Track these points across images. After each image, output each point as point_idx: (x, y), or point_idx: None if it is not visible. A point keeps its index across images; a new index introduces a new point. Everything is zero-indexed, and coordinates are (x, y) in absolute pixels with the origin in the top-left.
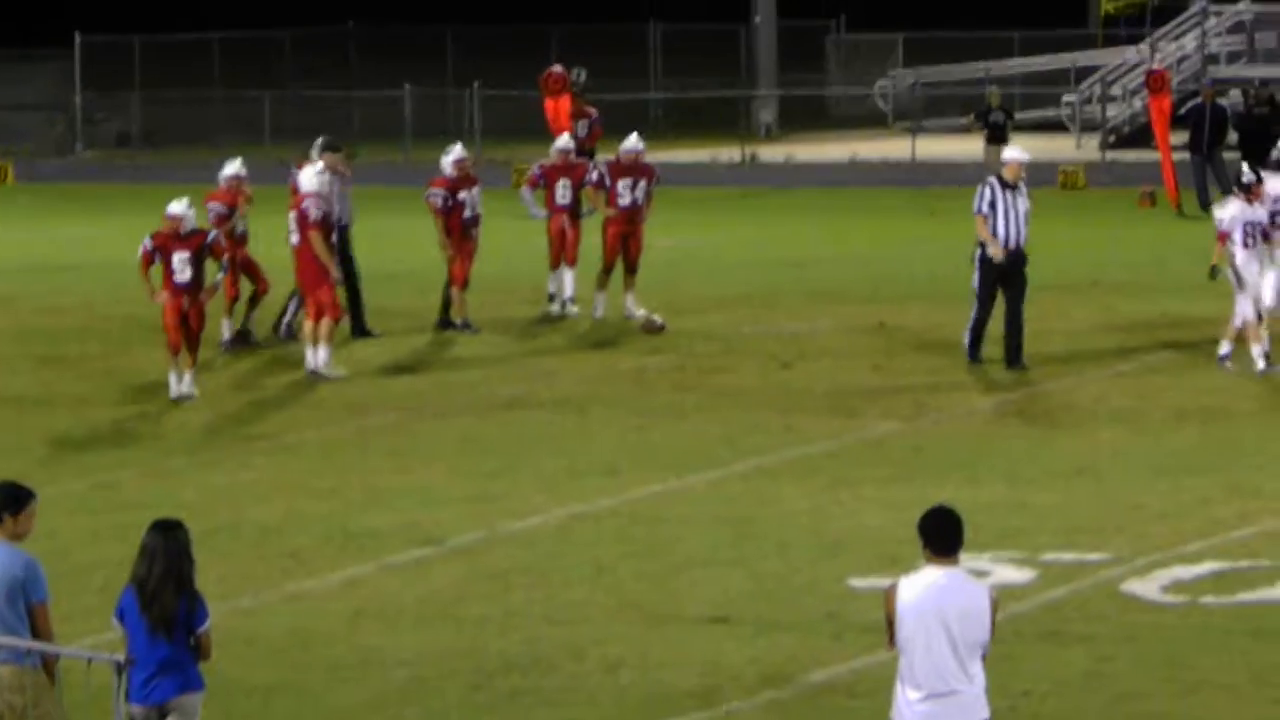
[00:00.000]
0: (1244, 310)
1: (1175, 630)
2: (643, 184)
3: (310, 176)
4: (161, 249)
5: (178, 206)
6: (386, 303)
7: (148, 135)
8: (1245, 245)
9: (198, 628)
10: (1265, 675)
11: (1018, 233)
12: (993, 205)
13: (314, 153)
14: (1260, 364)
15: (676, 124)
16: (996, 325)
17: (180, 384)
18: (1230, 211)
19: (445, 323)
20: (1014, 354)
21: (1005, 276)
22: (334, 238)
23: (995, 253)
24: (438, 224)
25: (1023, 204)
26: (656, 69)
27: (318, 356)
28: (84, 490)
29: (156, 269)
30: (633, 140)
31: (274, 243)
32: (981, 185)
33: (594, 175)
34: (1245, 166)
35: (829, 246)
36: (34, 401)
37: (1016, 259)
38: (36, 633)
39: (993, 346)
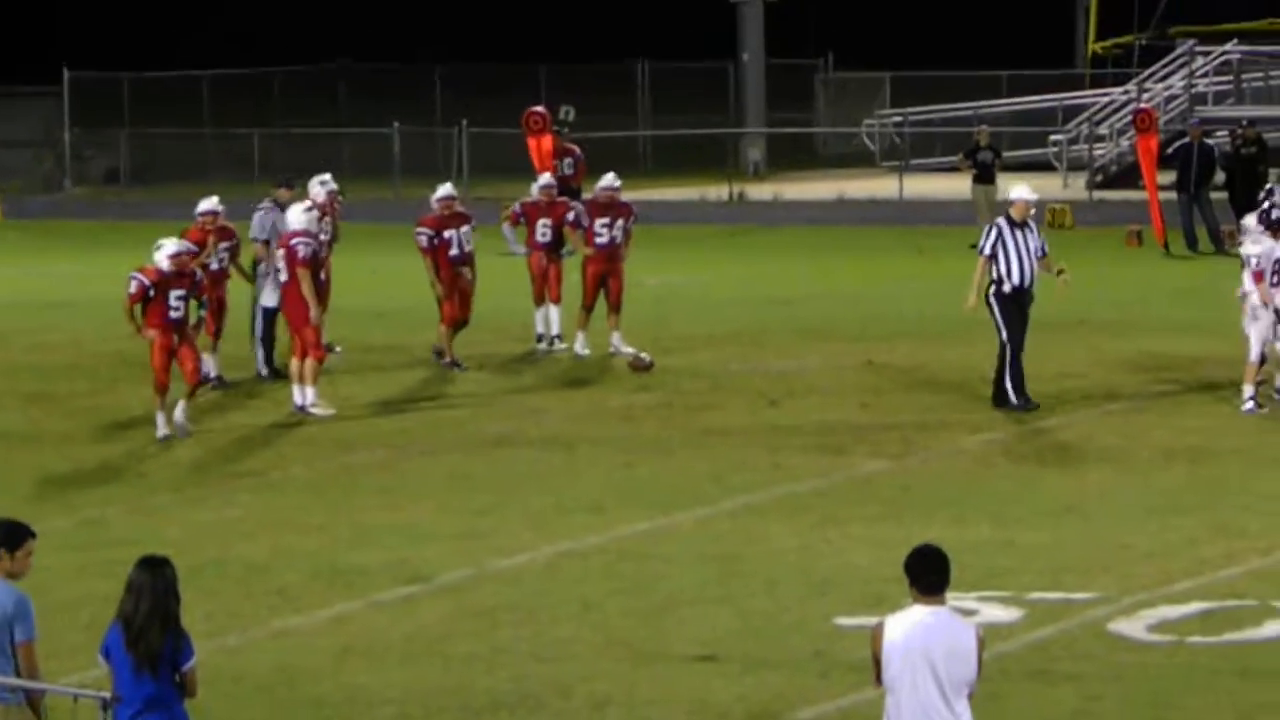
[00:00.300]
0: (1254, 347)
1: (1162, 670)
2: (620, 222)
3: (298, 214)
4: (159, 286)
5: (177, 244)
6: (375, 340)
7: (136, 172)
8: (1272, 283)
9: (183, 665)
10: (1252, 715)
11: (1032, 270)
12: (1003, 246)
13: (312, 188)
14: (1247, 404)
15: (665, 162)
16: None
17: (172, 418)
18: (1262, 248)
19: (440, 353)
20: (1004, 394)
21: (1019, 312)
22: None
23: (969, 303)
24: (426, 263)
25: (1034, 241)
26: (645, 107)
27: (304, 394)
28: (70, 527)
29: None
30: (609, 179)
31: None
32: (989, 226)
33: (570, 215)
34: (1268, 204)
35: (817, 284)
36: (21, 438)
37: (1027, 297)
38: (21, 670)
39: (983, 386)
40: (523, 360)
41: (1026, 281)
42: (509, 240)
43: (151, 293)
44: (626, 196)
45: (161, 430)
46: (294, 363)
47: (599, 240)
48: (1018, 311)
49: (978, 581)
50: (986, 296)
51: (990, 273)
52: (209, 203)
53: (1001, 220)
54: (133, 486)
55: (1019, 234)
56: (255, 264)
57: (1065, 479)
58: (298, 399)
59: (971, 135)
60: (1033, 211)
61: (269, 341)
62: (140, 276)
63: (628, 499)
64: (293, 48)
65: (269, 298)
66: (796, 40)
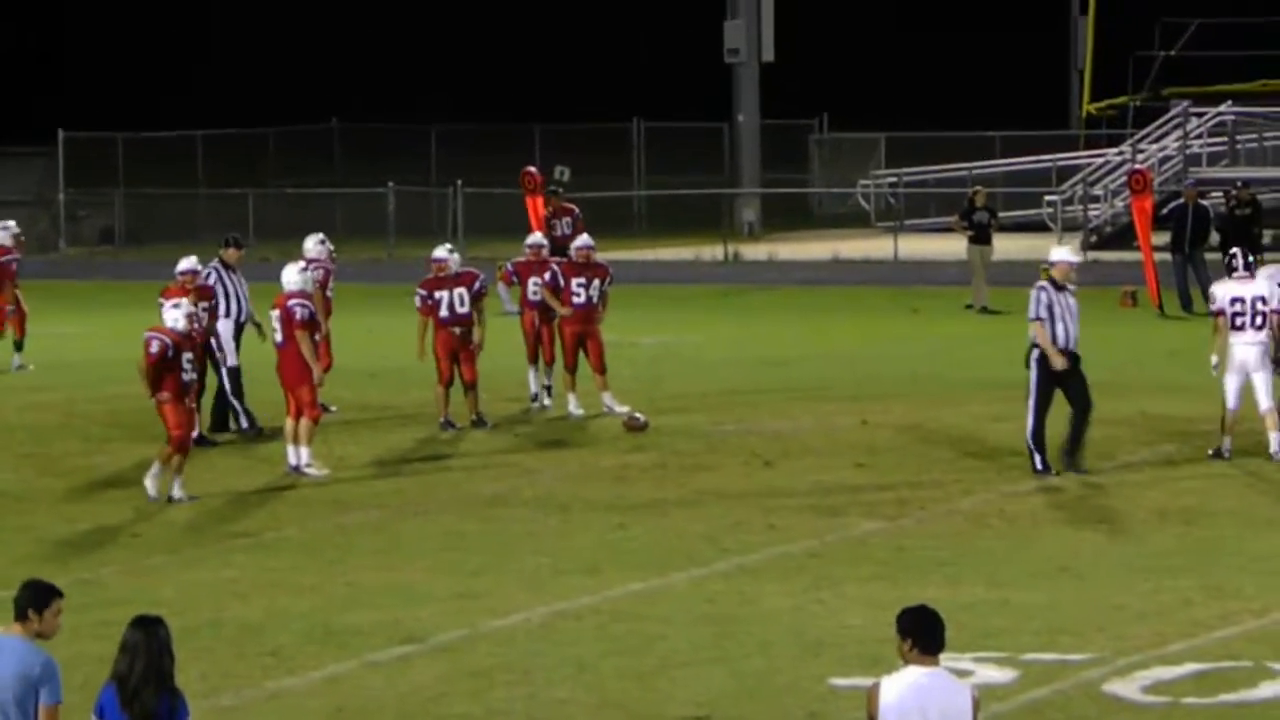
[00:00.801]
0: (1229, 394)
1: None
2: (596, 283)
3: (293, 275)
4: (177, 347)
5: (188, 304)
6: (370, 399)
7: (131, 232)
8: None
9: None
10: None
11: (1076, 334)
12: (1050, 309)
13: (310, 247)
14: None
15: (660, 221)
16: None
17: (174, 487)
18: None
19: (478, 421)
20: (1072, 455)
21: (1063, 379)
22: (318, 336)
23: (1058, 362)
24: (419, 322)
25: (1074, 303)
26: (640, 167)
27: (299, 454)
28: (64, 587)
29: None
30: (583, 239)
31: (250, 340)
32: (1035, 290)
33: (546, 276)
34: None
35: (812, 345)
36: (14, 498)
37: (1074, 359)
38: None
39: (978, 446)
40: (517, 420)
41: (1071, 344)
42: (504, 300)
43: (170, 354)
44: (622, 256)
45: (154, 492)
46: (289, 423)
47: (576, 300)
48: (1056, 381)
49: (972, 642)
50: (1028, 359)
51: (1033, 336)
52: (188, 262)
53: (1045, 282)
54: (127, 547)
55: (1062, 297)
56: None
57: (1060, 539)
58: (292, 459)
59: (966, 196)
60: (1073, 275)
61: (241, 398)
62: (162, 337)
63: (622, 560)
64: (288, 107)
65: (233, 358)
66: (791, 101)
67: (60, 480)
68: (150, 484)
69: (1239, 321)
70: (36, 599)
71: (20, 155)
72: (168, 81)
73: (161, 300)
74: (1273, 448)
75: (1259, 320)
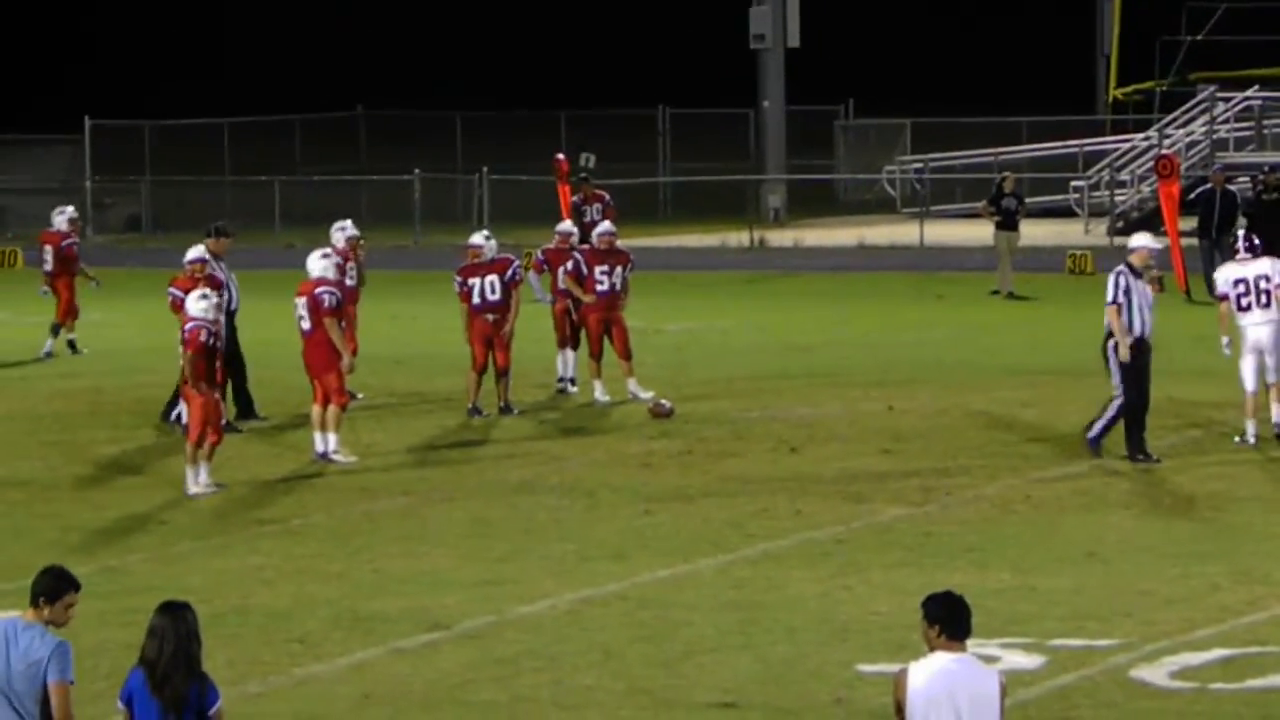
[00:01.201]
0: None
1: (1183, 717)
2: (619, 270)
3: (317, 262)
4: (215, 336)
5: (212, 293)
6: (396, 386)
7: (157, 220)
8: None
9: (210, 709)
10: None
11: (1151, 321)
12: (1128, 296)
13: (332, 235)
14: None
15: (685, 208)
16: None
17: (200, 479)
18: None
19: (505, 408)
20: (1138, 446)
21: (1137, 369)
22: (343, 324)
23: (1123, 351)
24: (462, 310)
25: (1150, 292)
26: (665, 153)
27: (326, 441)
28: (91, 574)
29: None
30: (605, 225)
31: (278, 328)
32: (1114, 273)
33: (569, 264)
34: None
35: (837, 331)
36: (42, 486)
37: (1147, 348)
38: (55, 713)
39: (1004, 433)
40: (544, 407)
41: (1146, 331)
42: (534, 288)
43: (211, 342)
44: (647, 243)
45: (193, 490)
46: (315, 410)
47: (599, 288)
48: (1137, 368)
49: (999, 628)
50: (1104, 349)
51: (1109, 323)
52: (196, 251)
53: (1124, 267)
54: (154, 535)
55: (1139, 284)
56: None
57: (1086, 525)
58: (319, 446)
59: (993, 182)
60: (1153, 262)
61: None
62: (206, 324)
63: (648, 546)
64: (313, 95)
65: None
66: (817, 87)
67: (87, 468)
68: (192, 488)
69: (1244, 302)
70: (50, 590)
71: (47, 143)
72: (194, 69)
73: (175, 290)
74: (1275, 417)
75: (1265, 298)
